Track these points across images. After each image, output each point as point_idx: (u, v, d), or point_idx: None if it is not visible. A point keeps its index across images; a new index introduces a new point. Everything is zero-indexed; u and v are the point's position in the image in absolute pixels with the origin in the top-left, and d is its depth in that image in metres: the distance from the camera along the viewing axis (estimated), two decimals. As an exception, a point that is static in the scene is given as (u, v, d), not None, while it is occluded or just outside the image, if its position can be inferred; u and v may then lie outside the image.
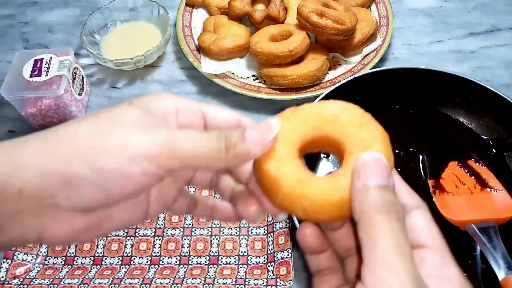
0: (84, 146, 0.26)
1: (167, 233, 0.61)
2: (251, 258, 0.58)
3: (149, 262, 0.59)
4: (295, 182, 0.29)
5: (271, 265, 0.57)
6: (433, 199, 0.59)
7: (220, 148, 0.28)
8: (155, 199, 0.33)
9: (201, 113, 0.32)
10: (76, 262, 0.60)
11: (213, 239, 0.60)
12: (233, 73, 0.76)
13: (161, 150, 0.27)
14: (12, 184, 0.26)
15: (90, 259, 0.60)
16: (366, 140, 0.29)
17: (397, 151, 0.64)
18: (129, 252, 0.60)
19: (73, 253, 0.60)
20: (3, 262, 0.57)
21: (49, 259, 0.60)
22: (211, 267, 0.58)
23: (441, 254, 0.28)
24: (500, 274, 0.51)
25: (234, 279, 0.55)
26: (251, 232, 0.61)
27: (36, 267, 0.59)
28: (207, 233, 0.61)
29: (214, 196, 0.63)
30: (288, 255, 0.56)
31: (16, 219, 0.27)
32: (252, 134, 0.28)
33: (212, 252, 0.59)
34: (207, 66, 0.75)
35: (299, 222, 0.54)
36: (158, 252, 0.60)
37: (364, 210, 0.26)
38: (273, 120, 0.29)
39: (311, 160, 0.63)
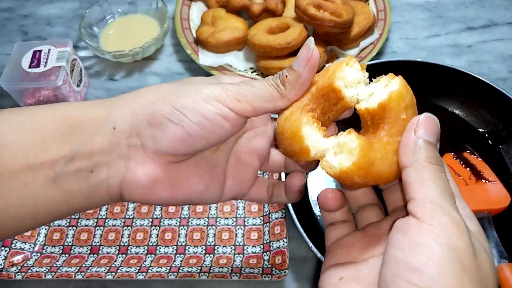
0: (166, 92, 0.32)
1: (164, 223, 0.62)
2: (247, 248, 0.59)
3: (145, 251, 0.60)
4: (287, 117, 0.33)
5: (267, 255, 0.57)
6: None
7: (277, 84, 0.32)
8: (231, 175, 0.37)
9: None
10: (73, 251, 0.60)
11: (210, 229, 0.61)
12: (231, 66, 0.76)
13: (228, 94, 0.31)
14: (107, 124, 0.31)
15: (87, 248, 0.60)
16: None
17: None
18: (126, 242, 0.61)
19: (70, 242, 0.61)
20: (1, 250, 0.58)
21: (47, 248, 0.60)
22: (207, 257, 0.58)
23: (459, 198, 0.31)
24: (493, 263, 0.52)
25: (230, 268, 0.56)
26: (247, 223, 0.61)
27: (34, 255, 0.59)
28: (204, 223, 0.61)
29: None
30: (283, 244, 0.56)
31: (107, 159, 0.31)
32: (297, 60, 0.32)
33: (209, 242, 0.60)
34: (205, 59, 0.76)
35: (295, 212, 0.55)
36: (155, 242, 0.60)
37: (417, 158, 0.29)
38: (309, 40, 0.32)
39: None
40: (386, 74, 0.34)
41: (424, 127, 0.30)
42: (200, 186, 0.35)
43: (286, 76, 0.32)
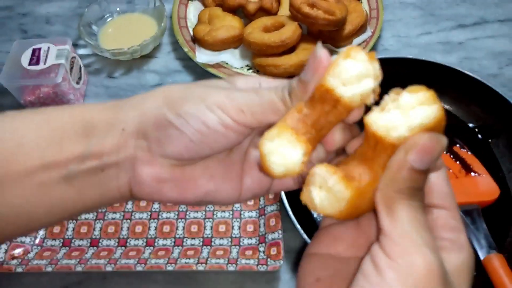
0: (173, 97, 0.31)
1: (162, 216, 0.63)
2: (243, 240, 0.60)
3: (144, 244, 0.61)
4: (271, 133, 0.29)
5: (263, 246, 0.59)
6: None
7: (284, 95, 0.30)
8: (250, 173, 0.34)
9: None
10: (74, 244, 0.62)
11: (207, 221, 0.62)
12: (227, 63, 0.77)
13: (232, 103, 0.30)
14: (117, 125, 0.32)
15: (87, 241, 0.62)
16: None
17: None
18: (125, 235, 0.62)
19: (70, 235, 0.62)
20: (2, 244, 0.59)
21: (47, 241, 0.62)
22: (204, 248, 0.60)
23: (455, 217, 0.29)
24: (482, 253, 0.54)
25: (227, 259, 0.57)
26: (244, 215, 0.63)
27: (34, 248, 0.61)
28: (201, 216, 0.63)
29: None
30: (278, 236, 0.58)
31: (115, 159, 0.31)
32: (305, 70, 0.29)
33: (206, 234, 0.61)
34: (202, 57, 0.77)
35: (290, 205, 0.56)
36: (153, 234, 0.62)
37: (391, 185, 0.27)
38: (317, 46, 0.29)
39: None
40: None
41: (420, 152, 0.26)
42: (210, 187, 0.33)
43: (294, 88, 0.30)
